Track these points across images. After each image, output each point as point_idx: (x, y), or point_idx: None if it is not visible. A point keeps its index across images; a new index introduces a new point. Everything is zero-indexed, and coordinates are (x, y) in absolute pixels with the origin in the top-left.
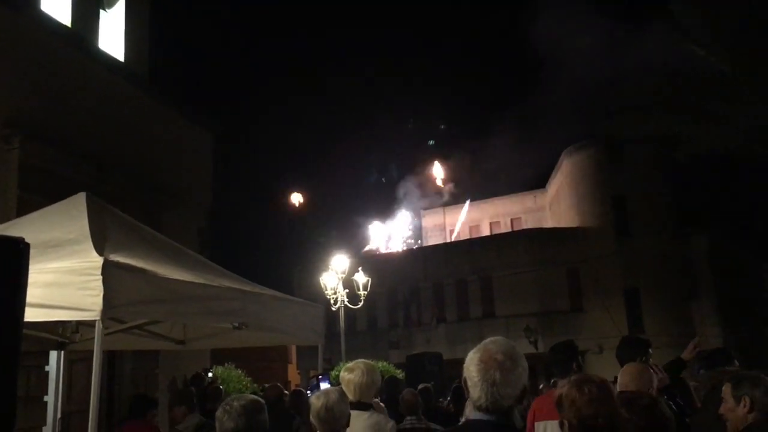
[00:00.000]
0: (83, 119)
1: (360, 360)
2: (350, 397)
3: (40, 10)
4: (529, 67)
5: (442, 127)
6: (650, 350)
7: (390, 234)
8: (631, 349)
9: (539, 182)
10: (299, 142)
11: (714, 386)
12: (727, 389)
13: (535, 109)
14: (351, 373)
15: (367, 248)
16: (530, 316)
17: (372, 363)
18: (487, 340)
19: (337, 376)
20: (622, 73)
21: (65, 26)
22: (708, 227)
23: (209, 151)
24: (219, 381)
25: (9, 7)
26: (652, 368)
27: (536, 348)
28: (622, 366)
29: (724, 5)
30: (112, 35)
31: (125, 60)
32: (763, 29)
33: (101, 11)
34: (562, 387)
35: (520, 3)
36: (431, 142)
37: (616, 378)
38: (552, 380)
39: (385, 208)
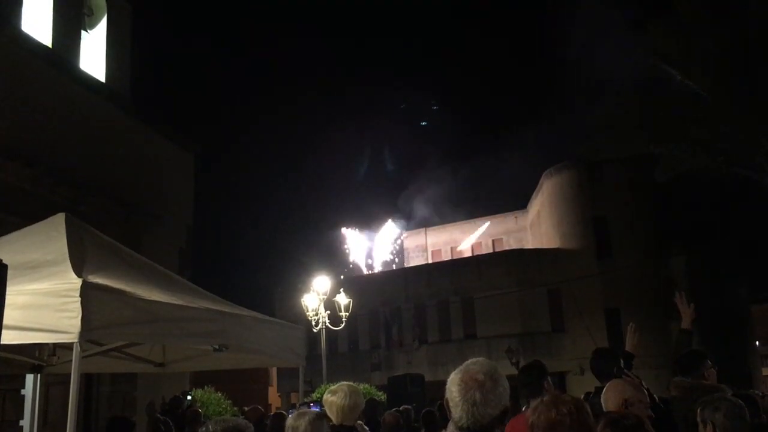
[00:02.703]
0: (63, 139)
1: (343, 382)
2: (333, 419)
3: (21, 30)
4: (509, 89)
5: (423, 124)
6: (632, 363)
7: (371, 253)
8: (605, 361)
9: (520, 203)
10: (281, 157)
11: (685, 415)
12: (698, 414)
13: (516, 130)
14: (334, 396)
15: (349, 261)
16: (512, 337)
17: (355, 385)
18: (469, 360)
19: (320, 398)
20: (600, 95)
21: (45, 46)
22: (687, 247)
23: (190, 170)
24: (198, 404)
25: None
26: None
27: (518, 369)
28: (598, 378)
29: (701, 30)
30: (93, 55)
31: (106, 80)
32: (738, 54)
33: (83, 32)
34: (535, 408)
35: (499, 26)
36: (423, 123)
37: (588, 394)
38: (525, 402)
39: (367, 221)
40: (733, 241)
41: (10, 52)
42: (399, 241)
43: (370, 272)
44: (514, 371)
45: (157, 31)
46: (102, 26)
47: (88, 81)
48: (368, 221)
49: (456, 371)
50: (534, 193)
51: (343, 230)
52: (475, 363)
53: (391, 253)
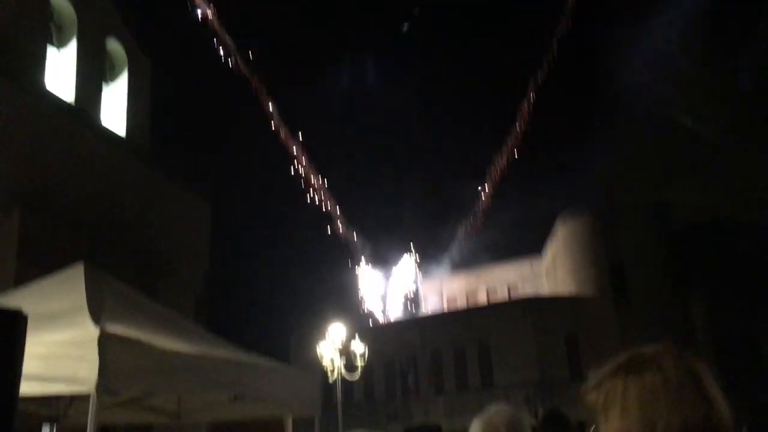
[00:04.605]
0: (84, 191)
1: (360, 429)
2: None
3: (45, 88)
4: (523, 135)
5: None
6: None
7: (386, 295)
8: (553, 428)
9: (535, 248)
10: (296, 204)
11: None
12: None
13: (529, 175)
14: None
15: (364, 306)
16: (530, 385)
17: None
18: (492, 408)
19: None
20: (615, 141)
21: (68, 103)
22: (707, 291)
23: (207, 218)
24: None
25: (15, 86)
26: None
27: (536, 417)
28: None
29: (709, 77)
30: (114, 108)
31: (127, 132)
32: (747, 100)
33: (104, 84)
34: None
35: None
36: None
37: None
38: None
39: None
40: (753, 285)
41: (33, 109)
42: (414, 287)
43: (385, 320)
44: (533, 421)
45: (175, 81)
46: (123, 79)
47: (109, 135)
48: (384, 261)
49: (477, 419)
50: (549, 239)
51: (359, 268)
52: (497, 413)
53: (406, 297)
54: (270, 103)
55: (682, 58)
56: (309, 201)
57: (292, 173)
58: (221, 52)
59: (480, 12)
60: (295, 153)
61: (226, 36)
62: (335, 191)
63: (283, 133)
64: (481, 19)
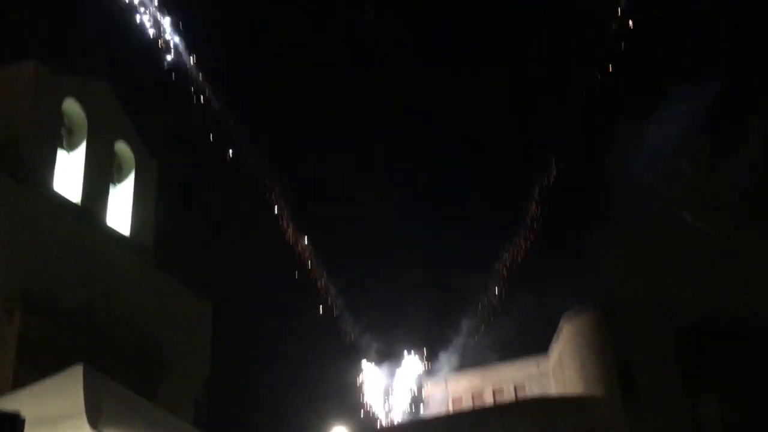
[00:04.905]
0: (86, 292)
1: None
2: None
3: (53, 190)
4: (529, 234)
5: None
6: None
7: (389, 394)
8: None
9: (542, 346)
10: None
11: None
12: None
13: (532, 273)
14: None
15: (367, 406)
16: None
17: None
18: None
19: None
20: (618, 238)
21: (75, 204)
22: (718, 389)
23: (208, 321)
24: None
25: (22, 188)
26: None
27: None
28: None
29: (709, 174)
30: (119, 209)
31: (131, 233)
32: (746, 197)
33: (111, 186)
34: None
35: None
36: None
37: None
38: None
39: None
40: (764, 380)
41: (39, 210)
42: (418, 387)
43: (389, 422)
44: None
45: (182, 181)
46: (129, 181)
47: (113, 235)
48: (389, 358)
49: None
50: (554, 337)
51: (363, 368)
52: None
53: (411, 397)
54: (279, 205)
55: (681, 157)
56: (318, 305)
57: (297, 275)
58: (230, 153)
59: (491, 115)
60: (300, 253)
61: (242, 142)
62: (341, 286)
63: (290, 234)
64: (491, 122)
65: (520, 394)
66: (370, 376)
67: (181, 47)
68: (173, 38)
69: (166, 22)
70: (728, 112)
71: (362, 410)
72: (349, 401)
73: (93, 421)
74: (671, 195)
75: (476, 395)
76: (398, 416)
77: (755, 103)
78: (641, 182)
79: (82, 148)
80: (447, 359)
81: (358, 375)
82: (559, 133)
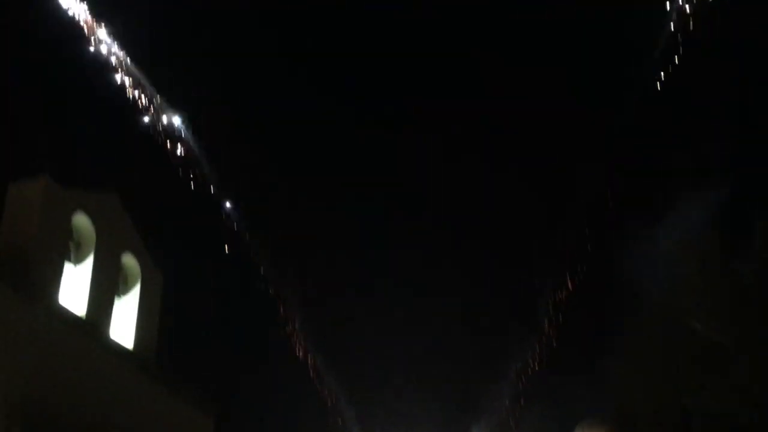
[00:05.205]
0: (87, 405)
1: None
2: None
3: (58, 303)
4: (542, 346)
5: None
6: None
7: None
8: None
9: None
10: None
11: None
12: None
13: (548, 385)
14: None
15: None
16: None
17: None
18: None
19: None
20: (629, 348)
21: (79, 317)
22: None
23: None
24: None
25: (27, 301)
26: None
27: None
28: None
29: (719, 281)
30: (123, 321)
31: (134, 347)
32: (754, 302)
33: (116, 297)
34: None
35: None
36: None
37: None
38: None
39: None
40: None
41: (43, 324)
42: None
43: None
44: None
45: (187, 292)
46: (135, 293)
47: (116, 348)
48: None
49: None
50: None
51: None
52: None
53: None
54: (290, 319)
55: (691, 264)
56: (326, 420)
57: (305, 389)
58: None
59: (499, 232)
60: (311, 371)
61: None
62: (349, 395)
63: (300, 351)
64: (497, 240)
65: None
66: None
67: (196, 151)
68: (182, 140)
69: (176, 119)
70: (733, 215)
71: None
72: None
73: None
74: (682, 304)
75: None
76: None
77: (757, 205)
78: (655, 292)
79: (89, 261)
80: None
81: None
82: (570, 245)
